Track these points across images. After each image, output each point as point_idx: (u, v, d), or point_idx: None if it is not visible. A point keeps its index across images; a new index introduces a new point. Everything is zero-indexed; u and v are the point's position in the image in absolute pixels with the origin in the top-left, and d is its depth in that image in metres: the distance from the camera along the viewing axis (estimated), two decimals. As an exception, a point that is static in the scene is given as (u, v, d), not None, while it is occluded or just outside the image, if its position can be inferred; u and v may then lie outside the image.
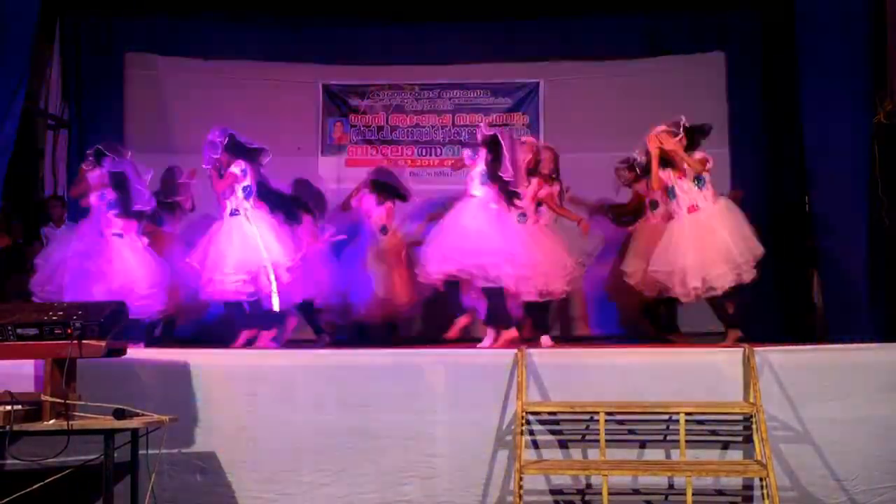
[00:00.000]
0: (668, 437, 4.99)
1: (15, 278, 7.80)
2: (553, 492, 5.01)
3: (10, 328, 4.25)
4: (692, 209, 6.38)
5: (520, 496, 4.66)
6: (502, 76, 9.36)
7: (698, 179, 6.37)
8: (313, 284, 7.17)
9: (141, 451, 4.47)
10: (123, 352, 4.58)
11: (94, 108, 8.99)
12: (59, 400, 4.18)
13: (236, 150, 6.75)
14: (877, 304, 6.30)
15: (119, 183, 6.91)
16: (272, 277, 6.58)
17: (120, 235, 6.94)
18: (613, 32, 9.07)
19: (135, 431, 4.41)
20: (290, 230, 7.07)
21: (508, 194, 6.54)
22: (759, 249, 6.25)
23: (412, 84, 9.48)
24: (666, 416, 4.96)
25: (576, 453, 5.04)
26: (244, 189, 6.73)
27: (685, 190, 6.41)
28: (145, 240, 7.13)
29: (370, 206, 7.75)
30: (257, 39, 9.20)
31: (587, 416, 4.99)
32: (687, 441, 4.85)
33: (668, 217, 6.62)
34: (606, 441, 4.87)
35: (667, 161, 6.43)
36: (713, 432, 5.00)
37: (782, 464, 4.89)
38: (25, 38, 6.36)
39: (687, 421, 4.85)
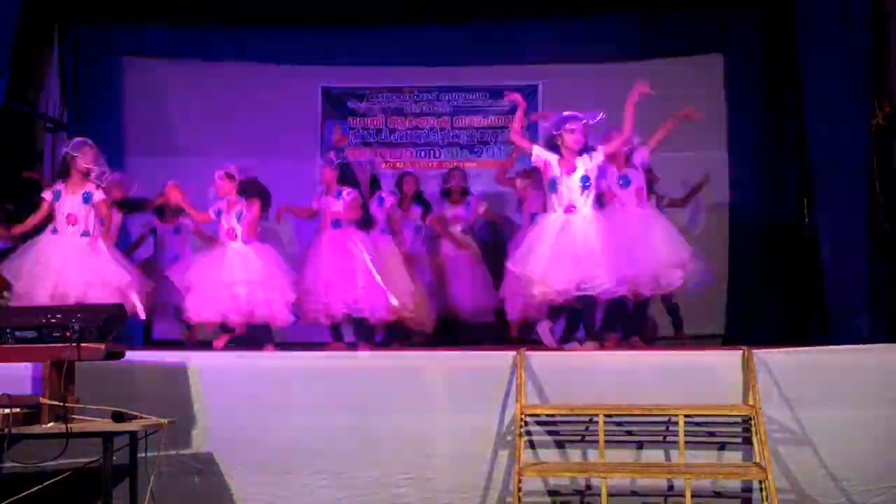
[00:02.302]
0: (667, 440, 4.98)
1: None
2: (551, 493, 5.01)
3: (8, 331, 4.25)
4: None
5: (519, 498, 4.66)
6: (501, 78, 9.36)
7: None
8: None
9: (140, 454, 4.49)
10: (122, 354, 4.58)
11: (93, 111, 8.98)
12: (57, 403, 4.17)
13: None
14: (876, 306, 6.29)
15: None
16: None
17: None
18: (612, 34, 9.04)
19: (133, 434, 4.42)
20: None
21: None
22: None
23: (411, 87, 9.49)
24: (665, 419, 4.96)
25: (575, 455, 5.03)
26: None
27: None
28: None
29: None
30: (256, 42, 9.19)
31: (586, 418, 4.98)
32: (686, 443, 4.84)
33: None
34: (605, 443, 4.87)
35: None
36: (712, 434, 4.99)
37: (781, 465, 4.89)
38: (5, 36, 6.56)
39: (686, 423, 4.84)
